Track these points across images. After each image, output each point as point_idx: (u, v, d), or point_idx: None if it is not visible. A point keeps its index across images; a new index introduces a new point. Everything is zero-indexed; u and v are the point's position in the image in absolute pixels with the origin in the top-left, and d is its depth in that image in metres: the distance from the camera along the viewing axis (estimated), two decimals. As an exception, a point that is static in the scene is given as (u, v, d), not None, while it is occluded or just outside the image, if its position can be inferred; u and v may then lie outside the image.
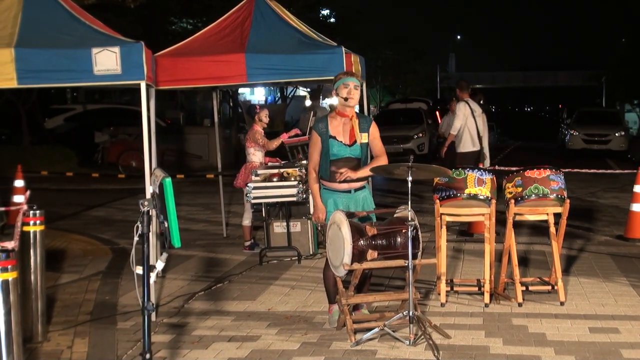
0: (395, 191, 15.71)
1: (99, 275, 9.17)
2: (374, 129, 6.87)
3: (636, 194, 11.04)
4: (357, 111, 6.89)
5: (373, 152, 6.91)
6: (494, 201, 7.47)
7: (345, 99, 6.64)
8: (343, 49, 9.12)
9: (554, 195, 7.39)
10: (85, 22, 7.63)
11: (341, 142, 6.66)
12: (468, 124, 11.69)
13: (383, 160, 6.84)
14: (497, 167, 12.46)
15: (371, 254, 6.43)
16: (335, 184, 6.69)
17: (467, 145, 11.76)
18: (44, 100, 28.53)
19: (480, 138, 11.73)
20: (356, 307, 7.08)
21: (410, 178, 6.32)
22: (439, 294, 7.61)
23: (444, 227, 7.64)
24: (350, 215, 6.50)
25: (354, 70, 9.34)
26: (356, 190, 6.76)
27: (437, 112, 19.00)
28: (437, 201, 7.52)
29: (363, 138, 6.73)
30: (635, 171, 11.33)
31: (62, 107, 28.46)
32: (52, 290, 8.23)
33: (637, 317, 7.06)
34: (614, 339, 6.40)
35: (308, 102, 24.06)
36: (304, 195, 9.72)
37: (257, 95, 52.77)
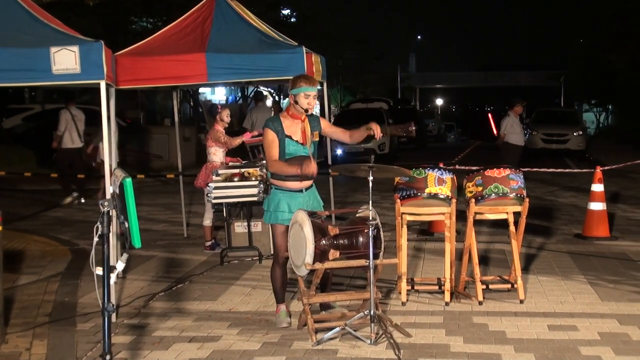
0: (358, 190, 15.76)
1: (58, 276, 9.08)
2: (323, 122, 6.94)
3: (593, 192, 11.16)
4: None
5: (336, 132, 7.02)
6: (454, 200, 7.51)
7: (306, 110, 6.65)
8: (304, 48, 9.13)
9: (514, 194, 7.46)
10: (43, 21, 7.56)
11: (297, 141, 6.68)
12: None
13: (347, 133, 6.95)
14: (457, 167, 12.56)
15: (333, 253, 6.44)
16: (287, 183, 6.70)
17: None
18: (1, 100, 28.20)
19: None
20: (326, 307, 7.10)
21: (371, 178, 6.34)
22: (400, 293, 7.63)
23: (405, 227, 7.67)
24: (311, 215, 6.51)
25: (314, 70, 9.36)
26: (307, 189, 6.79)
27: (490, 115, 18.93)
28: (398, 200, 7.55)
29: (315, 137, 6.79)
30: (592, 170, 11.47)
31: (20, 107, 28.14)
32: (10, 292, 8.14)
33: (595, 314, 7.14)
34: (572, 337, 6.47)
35: (269, 103, 24.01)
36: (265, 195, 9.70)
37: (217, 94, 52.57)
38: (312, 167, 6.48)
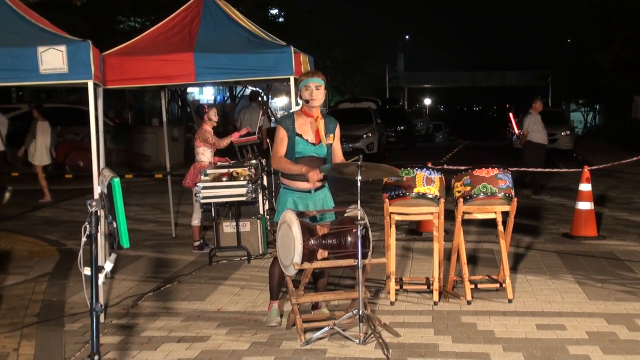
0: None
1: (45, 277, 9.06)
2: (338, 131, 6.90)
3: (581, 192, 11.20)
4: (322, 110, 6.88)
5: (334, 151, 6.93)
6: (442, 200, 7.52)
7: (307, 102, 6.65)
8: (292, 48, 9.12)
9: (502, 193, 7.46)
10: (30, 21, 7.52)
11: (307, 140, 6.66)
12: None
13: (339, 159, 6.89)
14: (445, 166, 12.57)
15: (321, 253, 6.43)
16: (296, 183, 6.69)
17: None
18: (-12, 100, 28.07)
19: None
20: (315, 306, 7.10)
21: (359, 177, 6.33)
22: (389, 293, 7.63)
23: (393, 226, 7.68)
24: (300, 214, 6.50)
25: (302, 70, 9.35)
26: (316, 190, 6.77)
27: (511, 114, 18.77)
28: (387, 200, 7.55)
29: (329, 139, 6.74)
30: (580, 170, 11.50)
31: (7, 107, 28.02)
32: (-2, 292, 8.12)
33: (583, 313, 7.16)
34: (560, 336, 6.48)
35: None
36: (253, 195, 9.71)
37: (206, 94, 52.47)
38: (315, 177, 6.53)
